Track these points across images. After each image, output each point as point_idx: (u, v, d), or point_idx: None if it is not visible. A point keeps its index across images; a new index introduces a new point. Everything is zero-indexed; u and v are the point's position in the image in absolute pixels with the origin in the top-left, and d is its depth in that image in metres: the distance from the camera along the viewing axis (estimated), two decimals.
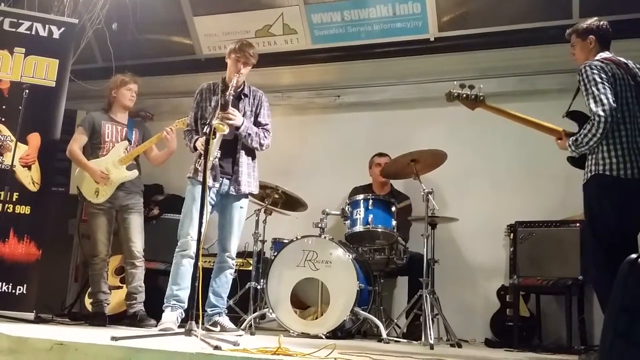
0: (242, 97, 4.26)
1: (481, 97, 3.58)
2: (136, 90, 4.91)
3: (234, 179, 4.16)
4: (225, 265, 4.22)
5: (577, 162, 3.43)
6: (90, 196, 4.74)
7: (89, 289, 4.87)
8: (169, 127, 4.68)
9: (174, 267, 4.06)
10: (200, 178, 4.00)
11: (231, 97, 3.93)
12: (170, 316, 3.95)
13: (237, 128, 4.05)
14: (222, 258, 4.24)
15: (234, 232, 4.21)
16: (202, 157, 3.82)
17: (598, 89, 3.16)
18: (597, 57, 3.34)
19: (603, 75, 3.20)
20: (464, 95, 3.60)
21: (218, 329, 4.08)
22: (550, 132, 3.48)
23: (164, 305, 4.02)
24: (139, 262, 4.68)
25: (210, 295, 4.18)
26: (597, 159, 3.21)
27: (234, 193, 4.16)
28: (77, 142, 4.84)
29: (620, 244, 3.14)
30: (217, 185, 4.10)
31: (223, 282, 4.22)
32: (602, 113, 3.10)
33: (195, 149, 4.14)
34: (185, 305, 4.00)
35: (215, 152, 3.77)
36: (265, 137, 4.28)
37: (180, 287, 4.01)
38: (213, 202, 4.14)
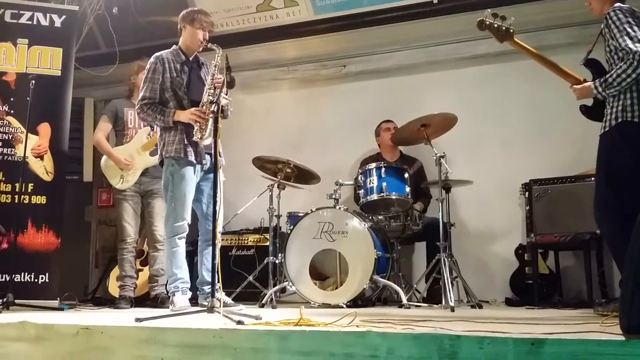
0: (201, 65, 4.17)
1: (511, 31, 3.48)
2: None
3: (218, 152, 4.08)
4: (208, 243, 4.03)
5: (591, 112, 3.37)
6: (116, 183, 4.85)
7: (117, 273, 4.94)
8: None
9: (169, 252, 3.97)
10: (190, 158, 3.92)
11: (225, 73, 3.65)
12: (182, 299, 3.94)
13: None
14: (211, 234, 4.16)
15: (221, 207, 4.17)
16: (197, 131, 3.79)
17: (634, 30, 3.07)
18: (616, 5, 3.26)
19: (636, 20, 3.13)
20: (495, 26, 3.48)
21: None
22: (570, 79, 3.41)
23: (170, 291, 4.00)
24: (161, 246, 4.74)
25: (204, 273, 4.06)
26: (625, 106, 3.13)
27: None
28: (102, 131, 4.96)
29: (635, 196, 3.12)
30: (204, 161, 4.01)
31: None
32: None
33: (175, 124, 3.92)
34: (189, 284, 4.04)
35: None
36: (230, 105, 4.10)
37: (182, 270, 3.99)
38: (198, 180, 4.05)
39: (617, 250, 3.20)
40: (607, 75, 3.15)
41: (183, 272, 4.01)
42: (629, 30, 3.08)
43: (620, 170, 3.15)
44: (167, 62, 4.05)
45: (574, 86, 3.37)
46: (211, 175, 3.90)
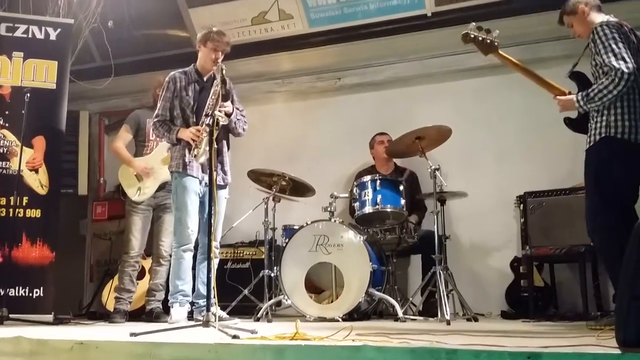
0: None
1: (495, 44, 3.52)
2: None
3: (221, 169, 4.12)
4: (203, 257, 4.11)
5: (575, 125, 3.41)
6: (133, 194, 4.80)
7: (113, 286, 4.90)
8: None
9: (175, 263, 4.02)
10: (190, 172, 4.00)
11: (219, 86, 3.76)
12: (180, 312, 3.95)
13: (228, 116, 3.99)
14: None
15: (220, 222, 4.18)
16: (194, 149, 3.84)
17: (618, 47, 3.12)
18: (602, 19, 3.30)
19: (622, 35, 3.17)
20: (480, 39, 3.52)
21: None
22: (554, 91, 3.45)
23: (170, 302, 4.01)
24: (164, 261, 4.73)
25: (200, 286, 4.10)
26: (609, 122, 3.18)
27: (221, 183, 4.12)
28: (122, 140, 4.93)
29: (624, 208, 3.15)
30: (205, 177, 4.01)
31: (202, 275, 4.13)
32: (625, 69, 3.06)
33: (179, 141, 4.05)
34: (190, 298, 4.04)
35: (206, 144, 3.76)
36: (245, 122, 4.25)
37: (184, 282, 4.00)
38: (201, 194, 4.09)
39: (609, 263, 3.22)
40: (590, 90, 3.20)
41: (185, 284, 4.01)
42: (614, 46, 3.13)
43: (610, 183, 3.19)
44: (179, 81, 4.15)
45: (558, 97, 3.41)
46: (218, 193, 3.97)
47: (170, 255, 4.56)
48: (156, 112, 4.18)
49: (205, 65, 4.15)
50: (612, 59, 3.10)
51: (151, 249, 4.91)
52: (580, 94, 3.24)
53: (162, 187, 4.79)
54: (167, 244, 4.72)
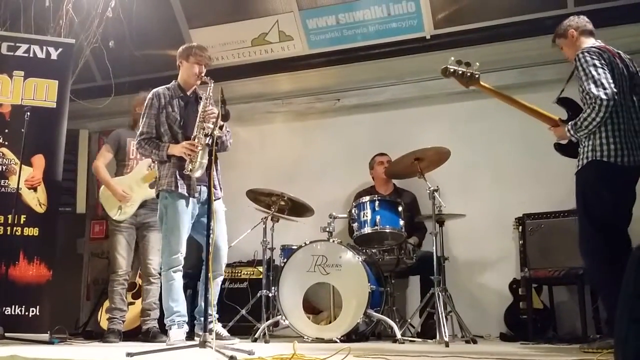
0: (199, 100, 4.14)
1: (476, 76, 3.54)
2: None
3: (212, 184, 4.09)
4: (216, 273, 4.04)
5: (565, 149, 3.45)
6: (114, 214, 4.79)
7: (107, 305, 4.88)
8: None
9: (166, 285, 3.96)
10: (181, 190, 3.92)
11: (220, 107, 3.66)
12: (178, 334, 3.90)
13: (221, 129, 3.90)
14: (215, 266, 4.02)
15: (224, 237, 4.15)
16: (189, 163, 3.80)
17: (598, 73, 3.16)
18: (588, 45, 3.35)
19: (602, 61, 3.21)
20: (460, 72, 3.55)
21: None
22: (543, 119, 3.50)
23: (167, 325, 3.96)
24: (154, 279, 4.70)
25: (202, 304, 3.97)
26: (594, 145, 3.23)
27: (217, 197, 4.06)
28: (103, 159, 4.92)
29: (615, 231, 3.17)
30: (196, 195, 3.99)
31: (215, 290, 4.10)
32: (604, 96, 3.10)
33: (169, 157, 3.96)
34: (187, 317, 4.00)
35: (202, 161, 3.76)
36: (230, 137, 4.18)
37: (178, 303, 3.96)
38: (195, 212, 4.03)
39: (596, 286, 3.23)
40: (577, 119, 3.25)
41: (180, 305, 3.97)
42: (594, 72, 3.17)
43: (596, 206, 3.23)
44: (163, 98, 4.09)
45: (552, 128, 3.47)
46: (216, 206, 3.91)
47: (160, 274, 4.54)
48: (140, 129, 4.07)
49: (189, 80, 4.13)
50: (592, 86, 3.15)
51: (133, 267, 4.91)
52: (570, 124, 3.30)
53: (143, 205, 4.79)
54: (156, 262, 4.69)
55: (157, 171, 4.09)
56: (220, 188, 4.19)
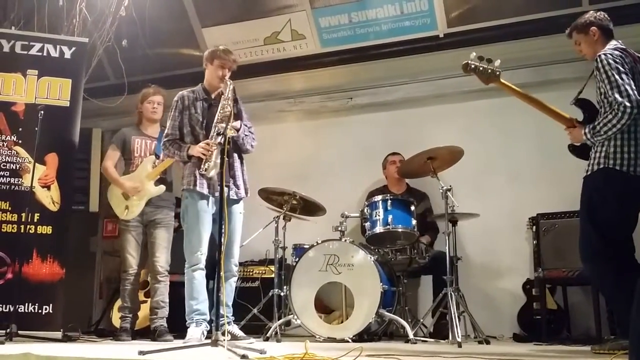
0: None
1: (497, 73, 3.51)
2: (160, 101, 4.98)
3: (233, 183, 4.11)
4: (230, 274, 4.09)
5: (579, 151, 3.41)
6: (120, 213, 4.82)
7: (119, 304, 4.90)
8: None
9: (187, 283, 4.02)
10: (200, 189, 4.00)
11: (231, 105, 3.85)
12: (196, 332, 3.92)
13: (237, 130, 4.02)
14: (227, 266, 4.05)
15: (237, 239, 4.17)
16: (204, 163, 3.82)
17: (622, 79, 3.10)
18: (609, 47, 3.28)
19: (626, 66, 3.15)
20: (480, 69, 3.51)
21: (229, 338, 4.05)
22: (559, 119, 3.44)
23: (187, 322, 3.99)
24: (162, 277, 4.71)
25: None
26: (608, 152, 3.17)
27: (234, 197, 4.10)
28: (110, 159, 4.96)
29: (619, 238, 3.13)
30: (217, 194, 3.99)
31: (228, 291, 4.10)
32: (628, 103, 3.04)
33: (189, 158, 4.06)
34: (208, 317, 4.01)
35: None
36: (254, 138, 4.26)
37: (198, 301, 3.99)
38: (213, 212, 4.08)
39: (600, 289, 3.19)
40: (596, 123, 3.20)
41: (200, 303, 3.99)
42: (617, 77, 3.10)
43: (601, 213, 3.18)
44: (187, 100, 4.19)
45: (569, 128, 3.42)
46: (232, 207, 4.06)
47: (167, 271, 4.68)
48: (166, 131, 4.20)
49: (213, 83, 4.17)
50: (615, 91, 3.09)
51: (143, 265, 4.92)
52: (587, 126, 3.24)
53: (149, 202, 4.80)
54: (163, 260, 4.71)
55: (182, 171, 4.17)
56: (246, 189, 4.23)
